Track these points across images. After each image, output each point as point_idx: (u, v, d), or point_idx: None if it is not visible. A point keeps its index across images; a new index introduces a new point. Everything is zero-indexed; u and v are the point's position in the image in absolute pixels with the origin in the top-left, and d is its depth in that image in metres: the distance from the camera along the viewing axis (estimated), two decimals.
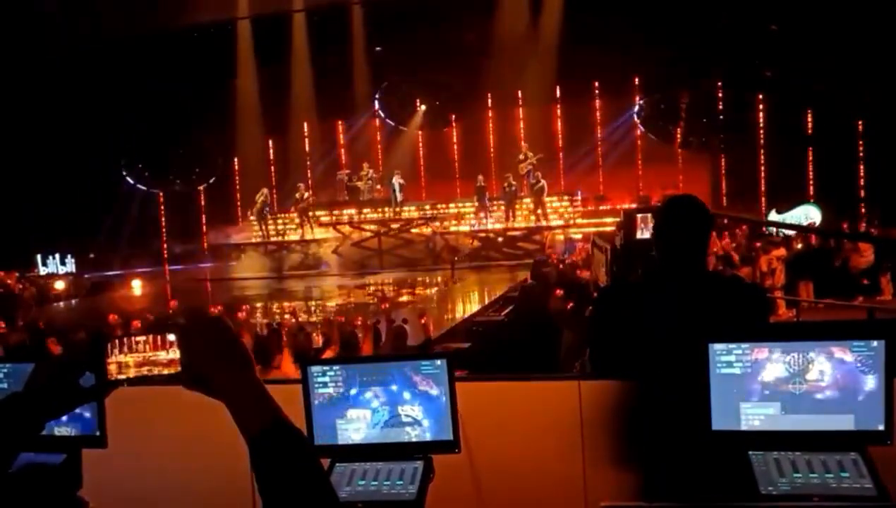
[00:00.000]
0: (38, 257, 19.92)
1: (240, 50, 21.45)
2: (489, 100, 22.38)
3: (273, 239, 21.66)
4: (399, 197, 20.55)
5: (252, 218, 21.77)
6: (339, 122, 23.31)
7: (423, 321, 8.88)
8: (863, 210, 19.21)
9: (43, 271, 19.84)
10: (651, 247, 2.42)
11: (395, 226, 20.66)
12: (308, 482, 1.05)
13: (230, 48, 21.23)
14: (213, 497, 2.42)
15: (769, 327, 2.48)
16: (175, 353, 1.12)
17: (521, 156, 20.42)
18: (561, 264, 13.63)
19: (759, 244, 15.01)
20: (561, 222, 20.11)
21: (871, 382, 1.85)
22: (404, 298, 16.03)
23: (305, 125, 22.85)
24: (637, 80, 21.19)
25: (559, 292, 8.27)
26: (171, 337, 1.13)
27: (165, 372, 1.14)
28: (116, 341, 1.15)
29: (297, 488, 1.04)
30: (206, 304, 15.01)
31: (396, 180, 20.51)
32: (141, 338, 1.15)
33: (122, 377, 1.15)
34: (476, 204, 20.55)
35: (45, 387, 1.16)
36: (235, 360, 1.09)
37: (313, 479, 1.06)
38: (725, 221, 20.75)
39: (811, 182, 20.21)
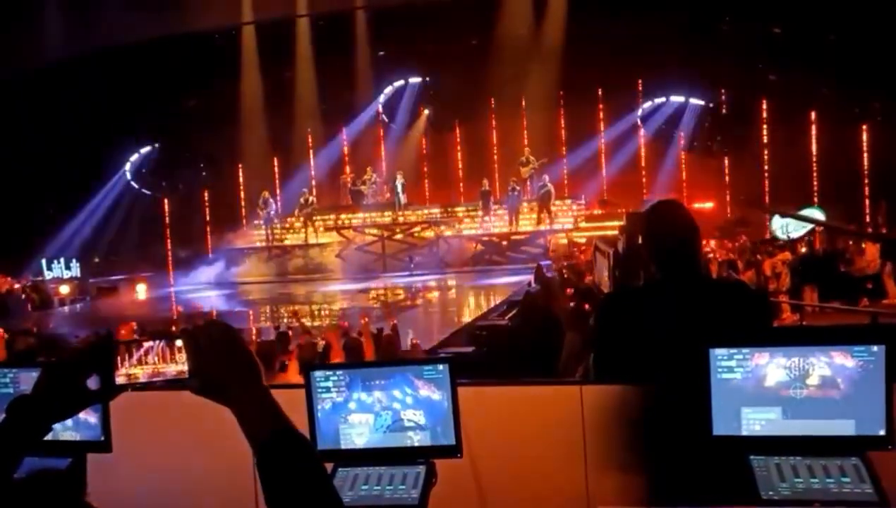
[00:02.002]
0: (43, 261, 19.99)
1: (244, 55, 21.53)
2: (492, 105, 22.42)
3: (277, 243, 21.72)
4: (402, 198, 20.58)
5: (259, 221, 21.85)
6: (343, 126, 23.36)
7: (414, 342, 8.85)
8: (867, 213, 19.19)
9: (48, 275, 19.90)
10: None
11: (398, 230, 20.70)
12: (314, 489, 1.06)
13: (235, 53, 21.31)
14: (218, 501, 2.43)
15: (770, 332, 2.48)
16: (184, 365, 1.13)
17: (524, 160, 20.43)
18: (563, 269, 13.59)
19: (764, 247, 15.03)
20: (564, 226, 20.11)
21: (872, 387, 1.85)
22: (409, 302, 16.05)
23: (309, 129, 22.90)
24: (640, 84, 21.19)
25: (569, 291, 8.25)
26: (179, 343, 1.14)
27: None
28: (125, 352, 1.17)
29: (303, 496, 1.05)
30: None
31: (399, 181, 20.55)
32: (150, 344, 1.16)
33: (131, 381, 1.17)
34: (481, 208, 20.57)
35: (52, 390, 1.17)
36: (244, 368, 1.10)
37: (319, 487, 1.07)
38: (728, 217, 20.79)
39: (815, 185, 20.18)
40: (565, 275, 12.44)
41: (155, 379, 1.17)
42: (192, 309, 13.70)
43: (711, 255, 14.38)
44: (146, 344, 1.17)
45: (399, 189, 20.47)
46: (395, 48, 20.46)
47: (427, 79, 21.98)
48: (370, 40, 20.87)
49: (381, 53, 20.95)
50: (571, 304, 7.83)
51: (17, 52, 17.75)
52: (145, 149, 23.09)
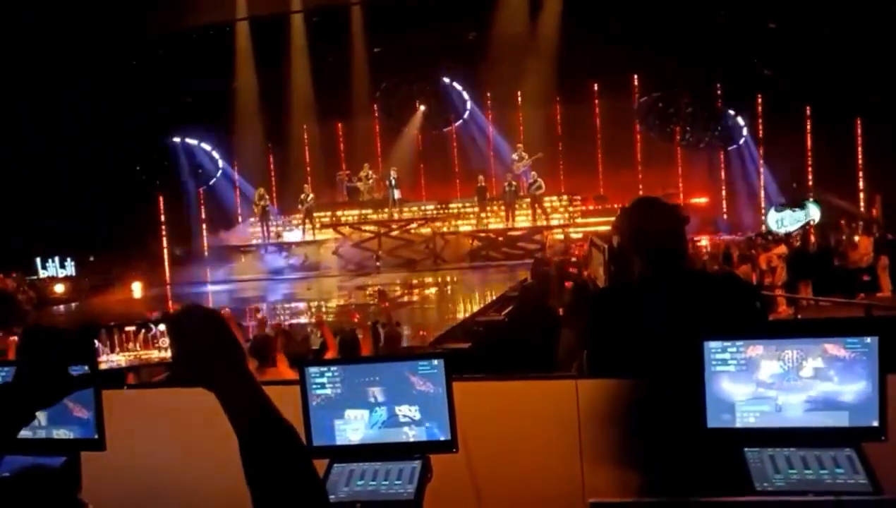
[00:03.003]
0: (38, 260, 19.91)
1: (238, 52, 21.45)
2: (488, 101, 22.39)
3: (273, 240, 21.69)
4: (396, 193, 20.55)
5: (253, 219, 21.81)
6: (339, 123, 23.31)
7: (422, 333, 8.85)
8: (862, 207, 19.25)
9: (42, 274, 19.83)
10: None
11: (395, 226, 20.69)
12: (297, 475, 1.06)
13: (229, 50, 21.24)
14: (213, 499, 2.42)
15: (763, 324, 2.49)
16: (165, 352, 1.13)
17: (516, 156, 20.44)
18: (560, 265, 13.55)
19: (759, 241, 15.07)
20: (561, 222, 20.14)
21: (865, 379, 1.85)
22: (404, 299, 16.04)
23: (305, 126, 22.85)
24: (636, 79, 21.20)
25: (569, 284, 8.22)
26: (162, 327, 1.14)
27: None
28: (107, 341, 1.16)
29: (286, 481, 1.04)
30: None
31: (392, 176, 20.55)
32: (131, 328, 1.16)
33: (114, 367, 1.17)
34: (477, 204, 20.58)
35: (34, 376, 1.17)
36: (227, 353, 1.09)
37: (302, 473, 1.07)
38: (725, 216, 20.87)
39: (810, 180, 20.23)
40: (562, 271, 12.45)
41: (135, 364, 1.17)
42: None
43: (706, 250, 14.41)
44: (127, 329, 1.17)
45: (392, 183, 20.44)
46: (391, 44, 20.42)
47: (423, 75, 21.94)
48: (366, 36, 20.82)
49: (377, 50, 20.90)
50: (567, 300, 7.82)
51: (13, 52, 17.67)
52: (141, 147, 23.02)
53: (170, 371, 1.14)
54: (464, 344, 9.11)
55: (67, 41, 18.39)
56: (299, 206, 21.36)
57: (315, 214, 21.39)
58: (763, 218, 19.66)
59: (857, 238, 13.41)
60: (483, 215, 20.53)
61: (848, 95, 17.82)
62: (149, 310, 12.07)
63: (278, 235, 21.88)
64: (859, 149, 19.76)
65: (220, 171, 23.91)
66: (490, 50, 19.71)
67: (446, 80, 21.88)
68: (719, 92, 20.77)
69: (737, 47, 18.20)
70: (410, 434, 2.11)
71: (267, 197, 21.66)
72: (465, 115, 22.72)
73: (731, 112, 20.91)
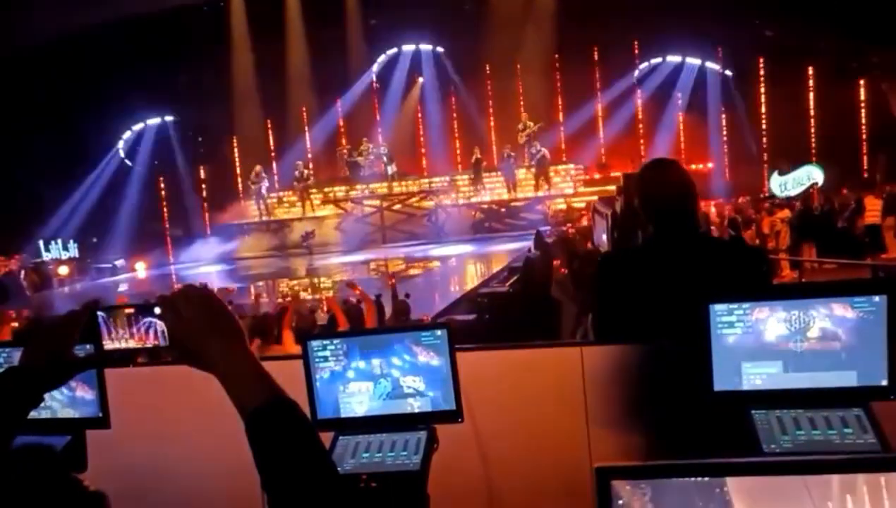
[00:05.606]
0: (41, 242, 19.94)
1: (234, 27, 21.22)
2: (488, 71, 22.15)
3: (273, 217, 21.66)
4: (391, 168, 20.50)
5: (252, 197, 21.76)
6: (337, 97, 23.13)
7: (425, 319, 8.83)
8: (865, 169, 19.12)
9: (46, 256, 19.89)
10: None
11: (396, 201, 20.65)
12: (309, 457, 1.03)
13: (224, 26, 20.99)
14: (219, 475, 2.43)
15: (769, 286, 2.47)
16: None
17: (521, 126, 20.28)
18: (564, 233, 13.49)
19: (766, 205, 14.98)
20: (563, 191, 20.05)
21: (873, 338, 1.83)
22: (410, 272, 16.06)
23: (303, 102, 22.67)
24: (636, 44, 20.91)
25: (563, 270, 8.19)
26: (157, 311, 1.12)
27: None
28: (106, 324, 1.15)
29: (298, 463, 1.01)
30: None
31: (383, 152, 20.49)
32: (130, 311, 1.15)
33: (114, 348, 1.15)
34: (472, 177, 20.51)
35: (41, 359, 1.16)
36: (225, 332, 1.06)
37: (314, 454, 1.03)
38: (727, 180, 20.72)
39: (813, 142, 20.04)
40: (566, 239, 12.40)
41: (133, 346, 1.15)
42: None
43: (712, 216, 14.32)
44: (127, 311, 1.16)
45: (385, 160, 20.39)
46: (388, 16, 20.15)
47: (420, 47, 21.69)
48: (361, 9, 20.56)
49: (373, 22, 20.65)
50: (566, 271, 7.80)
51: (8, 31, 17.48)
52: (138, 127, 22.89)
53: (168, 354, 1.11)
54: (468, 316, 9.12)
55: (62, 20, 18.19)
56: (294, 183, 21.30)
57: (315, 190, 21.34)
58: (766, 182, 19.53)
59: (864, 200, 13.27)
60: (478, 188, 20.45)
61: (850, 55, 17.56)
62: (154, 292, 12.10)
63: (274, 211, 21.85)
64: (862, 109, 19.54)
65: (219, 149, 23.79)
66: (487, 19, 19.44)
67: (444, 50, 21.61)
68: (720, 54, 20.49)
69: (738, 9, 17.91)
70: (415, 405, 2.10)
71: (264, 174, 21.58)
72: (464, 86, 22.49)
73: (731, 74, 20.65)
